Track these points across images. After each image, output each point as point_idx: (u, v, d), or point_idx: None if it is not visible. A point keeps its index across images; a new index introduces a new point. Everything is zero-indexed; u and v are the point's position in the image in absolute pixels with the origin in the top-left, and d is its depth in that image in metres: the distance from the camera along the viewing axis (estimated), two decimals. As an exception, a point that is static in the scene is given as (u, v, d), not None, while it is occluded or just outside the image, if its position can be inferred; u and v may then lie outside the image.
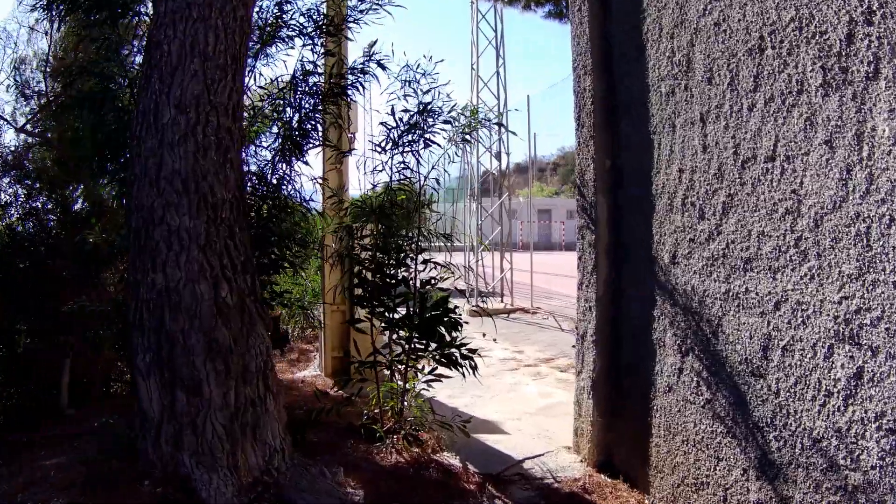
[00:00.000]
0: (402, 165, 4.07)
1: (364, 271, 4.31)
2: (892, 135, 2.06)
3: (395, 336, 4.20)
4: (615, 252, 3.58)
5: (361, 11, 4.57)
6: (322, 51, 4.57)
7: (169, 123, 3.05)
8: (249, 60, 4.61)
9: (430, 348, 4.09)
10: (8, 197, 6.44)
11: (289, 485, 3.13)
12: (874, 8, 2.10)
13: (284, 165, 4.28)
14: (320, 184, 4.72)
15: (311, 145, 4.75)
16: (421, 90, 4.43)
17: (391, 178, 4.07)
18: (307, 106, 4.22)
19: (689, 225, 3.00)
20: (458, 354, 4.03)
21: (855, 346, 2.22)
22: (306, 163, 4.36)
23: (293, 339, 9.43)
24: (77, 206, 6.78)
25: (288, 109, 4.46)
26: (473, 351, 4.03)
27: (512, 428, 4.91)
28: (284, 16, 4.44)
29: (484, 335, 9.29)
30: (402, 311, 4.25)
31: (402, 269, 4.26)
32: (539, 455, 4.11)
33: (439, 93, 4.45)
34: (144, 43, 3.59)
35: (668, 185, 3.14)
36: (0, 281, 5.54)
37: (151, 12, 3.71)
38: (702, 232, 2.92)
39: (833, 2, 2.26)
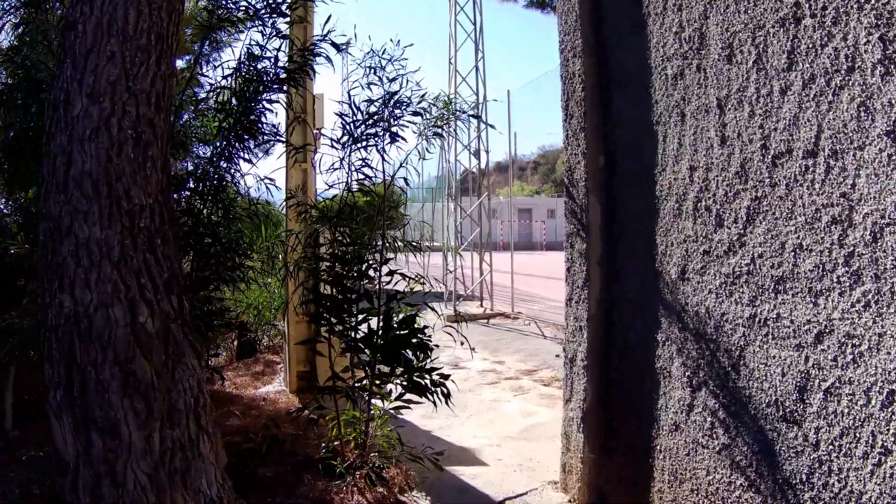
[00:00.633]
0: (363, 163, 3.51)
1: (322, 284, 3.76)
2: None
3: (356, 359, 3.65)
4: (610, 263, 3.06)
5: (320, -12, 4.01)
6: (272, 32, 3.99)
7: (80, 116, 2.49)
8: (196, 47, 4.03)
9: (396, 373, 3.56)
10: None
11: (224, 544, 2.59)
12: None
13: (226, 164, 3.70)
14: (268, 185, 4.15)
15: (261, 141, 4.19)
16: (387, 78, 3.89)
17: (349, 178, 3.51)
18: (250, 95, 3.65)
19: (703, 234, 2.49)
20: (428, 380, 3.50)
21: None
22: (250, 161, 3.78)
23: (262, 349, 8.83)
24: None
25: (233, 100, 3.89)
26: (446, 377, 3.50)
27: (491, 457, 4.38)
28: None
29: (462, 343, 8.76)
30: (371, 327, 3.71)
31: (365, 282, 3.71)
32: (522, 494, 3.57)
33: (408, 81, 3.91)
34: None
35: (677, 186, 2.63)
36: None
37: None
38: (720, 243, 2.40)
39: (903, -51, 1.76)
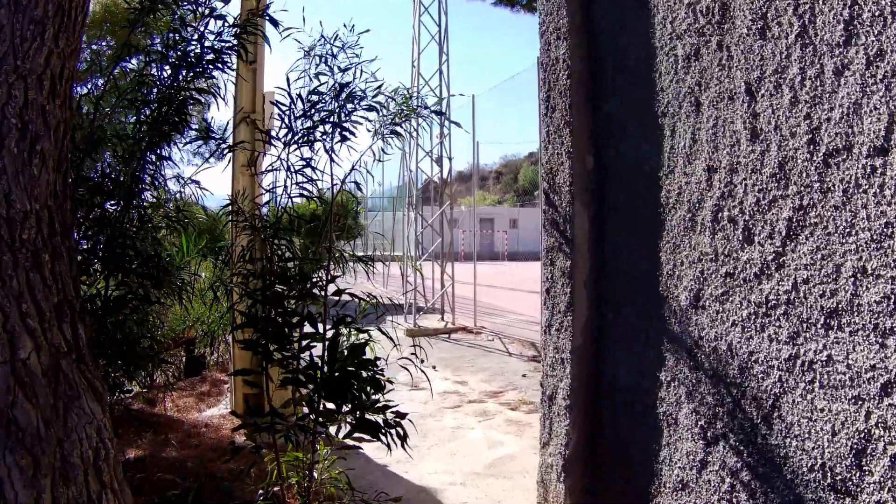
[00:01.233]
0: (304, 163, 2.95)
1: (257, 305, 3.17)
2: None
3: (298, 393, 3.06)
4: (600, 285, 2.55)
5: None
6: (206, 12, 3.40)
7: (-47, 102, 1.88)
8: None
9: (343, 410, 2.98)
10: None
11: None
12: None
13: (142, 163, 3.09)
14: (201, 190, 3.55)
15: (192, 139, 3.61)
16: (338, 67, 3.33)
17: (288, 180, 2.94)
18: (170, 81, 3.05)
19: (725, 252, 2.00)
20: (381, 419, 2.94)
21: None
22: (169, 158, 3.18)
23: (210, 366, 8.10)
24: None
25: (155, 89, 3.28)
26: (402, 416, 2.94)
27: (454, 499, 3.83)
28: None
29: (422, 361, 8.20)
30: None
31: (309, 302, 3.14)
32: (490, 554, 3.04)
33: (362, 71, 3.36)
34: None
35: (689, 192, 2.13)
36: None
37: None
38: (749, 264, 1.91)
39: None
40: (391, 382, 2.88)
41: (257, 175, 3.98)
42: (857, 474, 1.63)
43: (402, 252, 13.31)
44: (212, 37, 3.34)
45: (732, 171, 1.95)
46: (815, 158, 1.71)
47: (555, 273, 2.63)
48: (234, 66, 3.35)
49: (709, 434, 2.07)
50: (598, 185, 2.55)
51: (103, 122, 3.54)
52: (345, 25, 3.53)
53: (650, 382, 2.30)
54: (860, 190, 1.59)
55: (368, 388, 2.83)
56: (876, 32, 1.56)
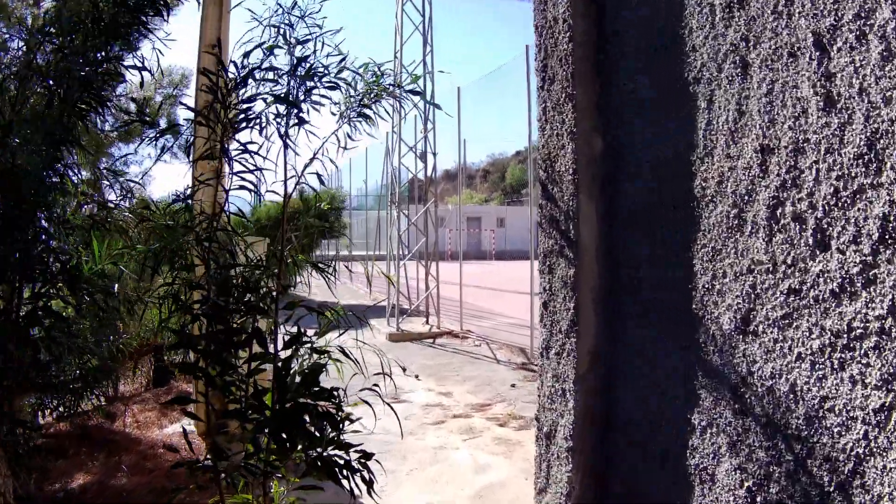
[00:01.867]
0: (241, 149, 2.43)
1: (201, 320, 2.64)
2: None
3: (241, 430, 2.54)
4: (611, 298, 2.05)
5: None
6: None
7: None
8: None
9: (297, 448, 2.47)
10: None
11: None
12: None
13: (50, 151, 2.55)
14: (135, 184, 3.02)
15: (124, 123, 3.08)
16: (296, 39, 2.82)
17: (224, 168, 2.42)
18: (79, 46, 2.52)
19: (787, 260, 1.50)
20: (343, 461, 2.43)
21: None
22: (76, 142, 2.65)
23: (178, 375, 7.53)
24: None
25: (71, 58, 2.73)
26: (369, 456, 2.43)
27: (434, 541, 3.33)
28: None
29: (405, 370, 7.68)
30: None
31: (260, 317, 2.62)
32: None
33: (324, 44, 2.85)
34: None
35: (735, 180, 1.63)
36: None
37: None
38: (823, 277, 1.41)
39: None
40: (350, 421, 2.36)
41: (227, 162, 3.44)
42: None
43: (386, 252, 12.79)
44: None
45: (798, 151, 1.46)
46: (927, 130, 1.22)
47: (554, 283, 2.12)
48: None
49: (759, 498, 1.58)
50: (609, 174, 2.05)
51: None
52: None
53: (678, 425, 1.81)
54: None
55: (324, 424, 2.32)
56: None
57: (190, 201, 2.49)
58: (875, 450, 1.31)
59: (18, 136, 2.82)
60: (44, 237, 2.75)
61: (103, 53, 2.58)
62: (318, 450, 2.40)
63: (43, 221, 2.77)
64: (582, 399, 2.06)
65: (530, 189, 8.84)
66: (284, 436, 2.28)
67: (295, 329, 2.70)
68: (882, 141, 1.29)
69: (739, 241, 1.62)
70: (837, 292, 1.37)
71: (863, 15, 1.33)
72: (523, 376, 7.27)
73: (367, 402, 2.62)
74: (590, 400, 2.07)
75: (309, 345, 2.50)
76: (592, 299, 2.01)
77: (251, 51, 2.72)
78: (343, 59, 2.80)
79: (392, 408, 2.99)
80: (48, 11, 2.62)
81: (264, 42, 2.79)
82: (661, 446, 1.87)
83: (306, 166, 2.89)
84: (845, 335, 1.36)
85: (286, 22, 2.76)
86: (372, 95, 3.01)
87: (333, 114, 3.07)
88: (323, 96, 2.86)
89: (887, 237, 1.28)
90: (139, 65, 2.60)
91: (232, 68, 2.35)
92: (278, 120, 2.79)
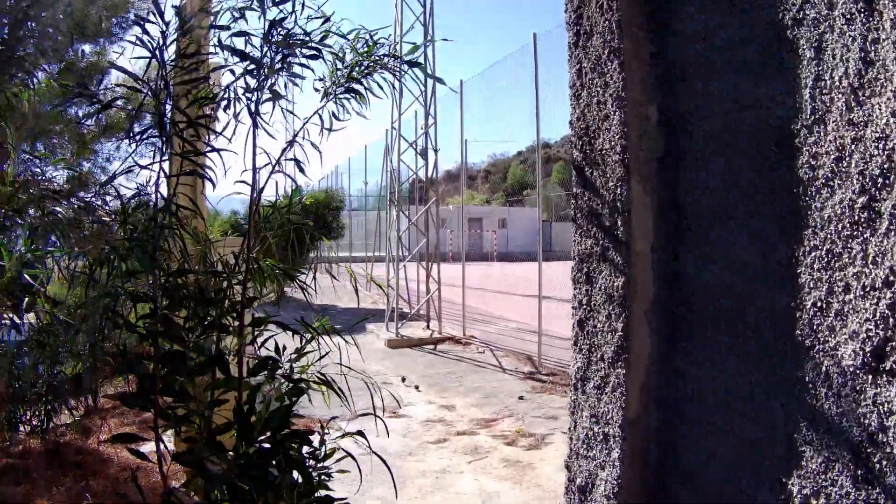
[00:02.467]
0: (185, 123, 1.96)
1: (147, 339, 2.16)
2: None
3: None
4: (673, 317, 1.57)
5: None
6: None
7: None
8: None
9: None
10: None
11: None
12: None
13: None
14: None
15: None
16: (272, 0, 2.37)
17: (165, 148, 1.94)
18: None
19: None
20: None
21: None
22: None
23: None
24: None
25: None
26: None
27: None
28: None
29: (403, 380, 7.20)
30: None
31: (224, 336, 2.15)
32: None
33: (304, 5, 2.38)
34: None
35: (862, 157, 1.15)
36: None
37: None
38: None
39: None
40: (328, 476, 1.88)
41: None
42: None
43: (384, 253, 12.30)
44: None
45: None
46: None
47: (595, 296, 1.63)
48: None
49: None
50: (669, 152, 1.56)
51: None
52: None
53: (770, 493, 1.33)
54: None
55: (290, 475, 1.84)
56: None
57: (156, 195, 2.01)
58: None
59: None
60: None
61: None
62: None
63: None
64: (630, 448, 1.58)
65: (538, 186, 8.37)
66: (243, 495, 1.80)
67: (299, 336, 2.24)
68: None
69: (871, 243, 1.14)
70: None
71: None
72: (531, 387, 6.79)
73: (360, 433, 2.16)
74: (641, 450, 1.58)
75: (282, 371, 2.02)
76: (647, 318, 1.52)
77: (217, 12, 2.28)
78: (327, 21, 2.33)
79: (386, 426, 2.53)
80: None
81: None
82: (743, 517, 1.39)
83: (284, 151, 2.43)
84: None
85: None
86: (363, 68, 2.54)
87: (317, 90, 2.60)
88: (303, 65, 2.40)
89: None
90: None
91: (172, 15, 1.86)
92: (248, 95, 2.33)
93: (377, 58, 2.57)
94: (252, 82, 2.37)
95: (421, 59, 2.78)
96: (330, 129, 2.53)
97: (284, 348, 2.17)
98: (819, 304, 1.22)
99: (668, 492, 1.57)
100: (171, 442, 5.22)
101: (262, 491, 1.79)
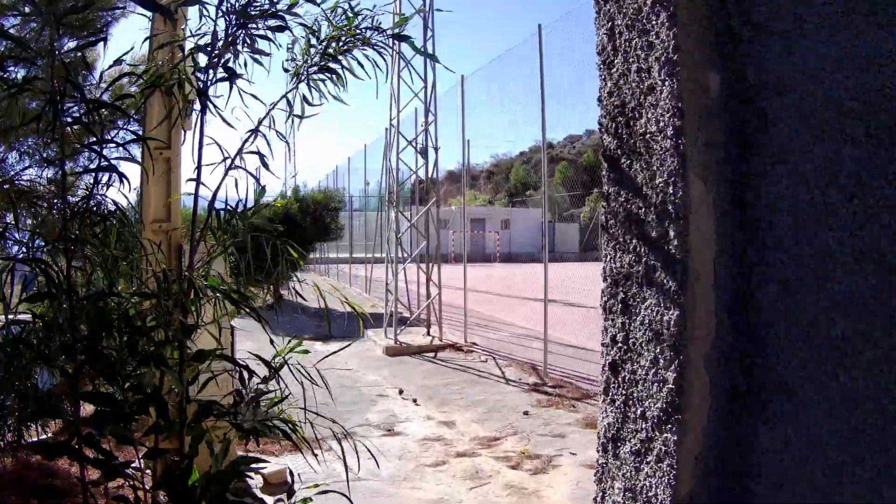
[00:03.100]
0: (93, 105, 1.55)
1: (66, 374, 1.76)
2: None
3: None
4: (740, 364, 1.15)
5: None
6: None
7: None
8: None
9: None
10: None
11: None
12: None
13: None
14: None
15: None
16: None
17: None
18: None
19: None
20: None
21: None
22: None
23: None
24: None
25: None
26: None
27: None
28: None
29: (401, 392, 6.79)
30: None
31: (161, 369, 1.74)
32: None
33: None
34: None
35: None
36: None
37: None
38: None
39: None
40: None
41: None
42: None
43: (383, 254, 11.88)
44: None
45: None
46: None
47: (634, 332, 1.22)
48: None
49: None
50: (742, 136, 1.15)
51: None
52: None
53: None
54: None
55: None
56: None
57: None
58: None
59: None
60: None
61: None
62: None
63: None
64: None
65: (544, 185, 7.94)
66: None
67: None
68: None
69: None
70: None
71: None
72: (536, 400, 6.36)
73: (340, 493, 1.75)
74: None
75: (229, 419, 1.61)
76: (707, 365, 1.11)
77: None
78: (298, -12, 1.93)
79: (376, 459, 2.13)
80: None
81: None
82: None
83: (245, 143, 2.03)
84: None
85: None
86: (341, 44, 2.13)
87: (287, 70, 2.20)
88: (265, 38, 1.99)
89: None
90: None
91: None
92: (198, 75, 1.92)
93: (358, 32, 2.17)
94: (202, 59, 1.98)
95: (409, 33, 2.37)
96: (301, 116, 2.13)
97: (211, 402, 1.77)
98: None
99: None
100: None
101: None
